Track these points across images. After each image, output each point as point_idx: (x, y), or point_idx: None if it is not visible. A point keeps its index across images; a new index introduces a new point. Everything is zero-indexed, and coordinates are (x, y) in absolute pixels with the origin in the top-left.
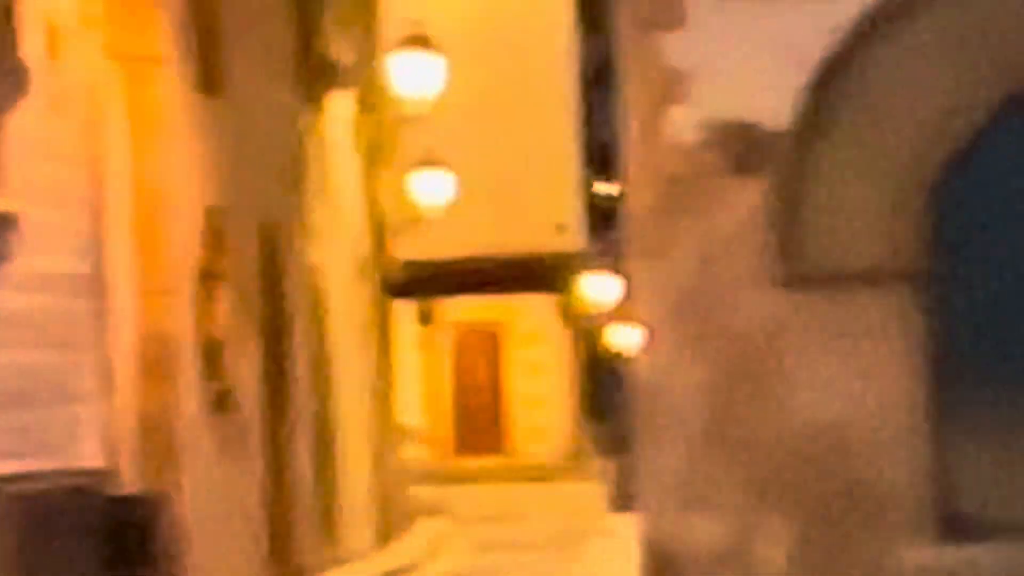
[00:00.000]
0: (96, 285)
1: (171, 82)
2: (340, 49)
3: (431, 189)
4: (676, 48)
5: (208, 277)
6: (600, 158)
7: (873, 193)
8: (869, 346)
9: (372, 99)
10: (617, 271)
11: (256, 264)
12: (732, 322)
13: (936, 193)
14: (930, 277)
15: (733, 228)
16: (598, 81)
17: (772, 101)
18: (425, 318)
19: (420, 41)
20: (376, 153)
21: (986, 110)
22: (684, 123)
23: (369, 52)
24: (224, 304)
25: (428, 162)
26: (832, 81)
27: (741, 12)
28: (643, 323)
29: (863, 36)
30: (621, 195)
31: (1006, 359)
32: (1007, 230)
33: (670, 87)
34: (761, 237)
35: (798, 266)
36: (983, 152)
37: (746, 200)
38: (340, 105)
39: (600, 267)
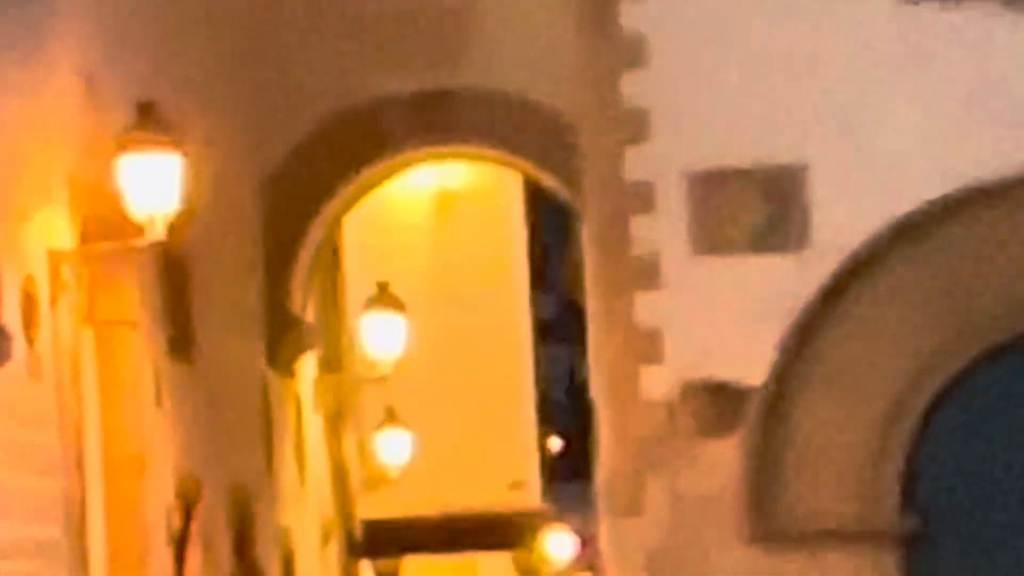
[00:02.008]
0: (70, 552)
1: (144, 347)
2: (306, 310)
3: (392, 449)
4: (650, 307)
5: (180, 543)
6: (553, 414)
7: (847, 451)
8: None
9: (335, 359)
10: (574, 528)
11: (227, 529)
12: None
13: (911, 451)
14: (904, 537)
15: (706, 487)
16: (549, 337)
17: (745, 359)
18: None
19: (387, 301)
20: (338, 413)
21: (957, 366)
22: (657, 382)
23: (331, 313)
24: (196, 571)
25: (389, 421)
26: (804, 338)
27: (714, 271)
28: None
29: (833, 293)
30: (574, 451)
31: None
32: (983, 489)
33: (644, 346)
34: (734, 495)
35: (772, 524)
36: (957, 408)
37: (719, 459)
38: (304, 366)
39: (558, 524)
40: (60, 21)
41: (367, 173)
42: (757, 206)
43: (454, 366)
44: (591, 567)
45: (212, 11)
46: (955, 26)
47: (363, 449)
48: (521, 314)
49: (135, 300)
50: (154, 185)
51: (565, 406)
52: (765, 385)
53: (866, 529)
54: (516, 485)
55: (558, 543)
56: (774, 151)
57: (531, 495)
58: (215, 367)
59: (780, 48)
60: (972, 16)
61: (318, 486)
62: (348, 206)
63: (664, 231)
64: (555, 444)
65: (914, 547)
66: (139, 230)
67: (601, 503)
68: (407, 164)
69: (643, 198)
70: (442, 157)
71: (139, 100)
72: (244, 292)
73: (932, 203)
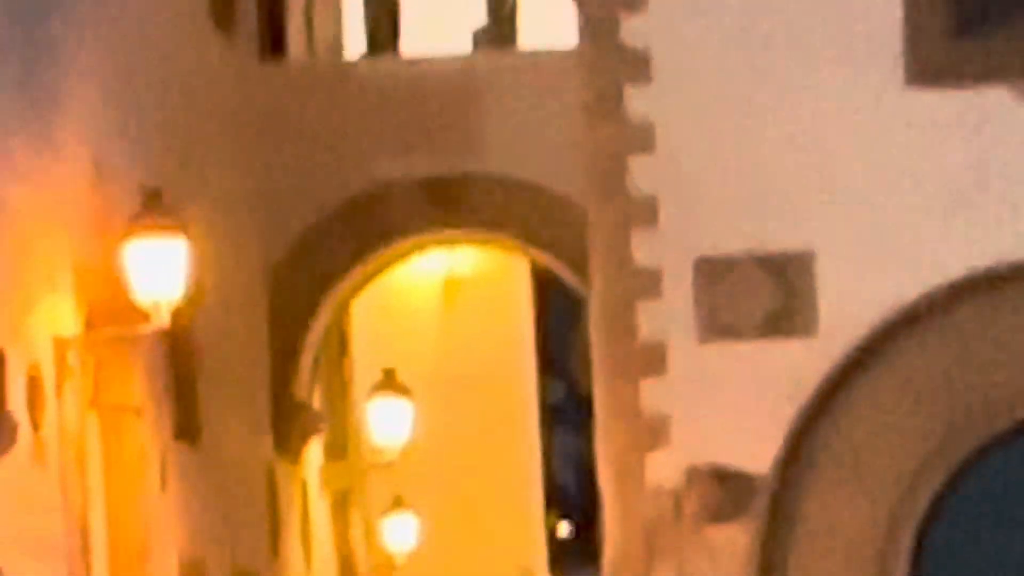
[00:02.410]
0: None
1: (149, 431)
2: (312, 395)
3: (399, 534)
4: (656, 393)
5: None
6: (561, 499)
7: (855, 537)
8: None
9: (341, 445)
10: None
11: None
12: None
13: (919, 536)
14: None
15: (713, 573)
16: (557, 422)
17: (752, 445)
18: None
19: (393, 387)
20: (344, 499)
21: (964, 452)
22: (664, 468)
23: (338, 398)
24: None
25: (396, 507)
26: (811, 425)
27: (720, 357)
28: None
29: (841, 380)
30: (583, 536)
31: None
32: (993, 573)
33: (650, 432)
34: None
35: None
36: (965, 494)
37: (726, 545)
38: (310, 451)
39: None
40: (69, 107)
41: (375, 258)
42: (764, 292)
43: (461, 451)
44: None
45: (219, 98)
46: (961, 112)
47: (370, 535)
48: (529, 399)
49: (140, 385)
50: (159, 271)
51: (573, 491)
52: (772, 471)
53: None
54: (525, 573)
55: None
56: (781, 237)
57: None
58: (221, 452)
59: (787, 134)
60: (978, 102)
61: (324, 572)
62: (356, 291)
63: (671, 316)
64: (563, 529)
65: None
66: (144, 316)
67: None
68: (415, 249)
69: (650, 283)
70: (450, 242)
71: (146, 186)
72: (250, 377)
73: (939, 289)
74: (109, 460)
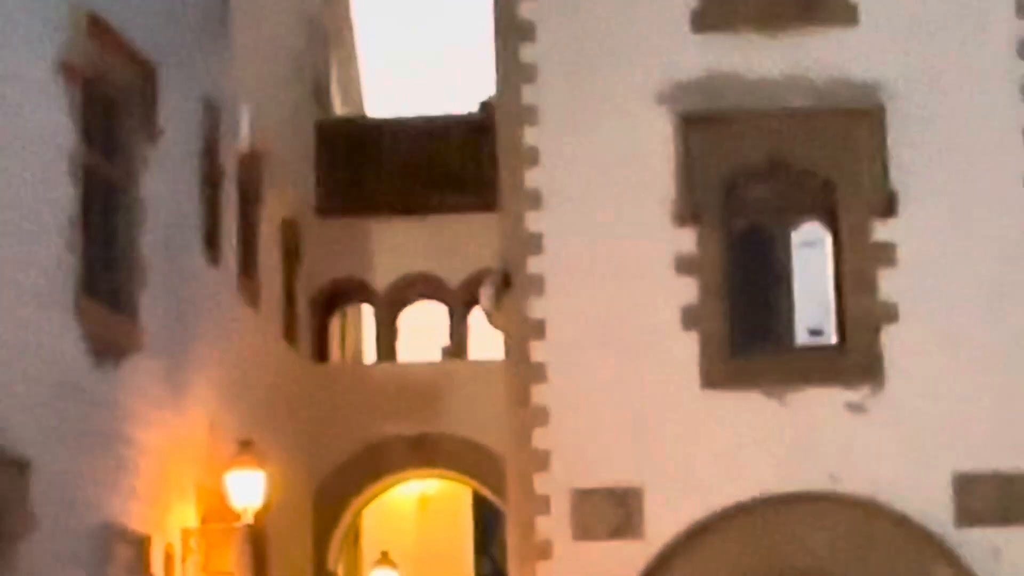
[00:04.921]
0: None
1: None
2: (338, 567)
3: None
4: (546, 573)
5: None
6: None
7: None
8: None
9: None
10: None
11: None
12: None
13: None
14: None
15: None
16: None
17: None
18: None
19: (387, 563)
20: None
21: None
22: None
23: (353, 569)
24: None
25: None
26: None
27: (586, 552)
28: None
29: (659, 567)
30: None
31: None
32: None
33: None
34: None
35: None
36: None
37: None
38: None
39: None
40: (195, 389)
41: (378, 484)
42: (612, 512)
43: None
44: None
45: (287, 385)
46: (735, 405)
47: None
48: (469, 572)
49: (234, 559)
50: (247, 490)
51: None
52: None
53: None
54: None
55: None
56: (621, 477)
57: None
58: None
59: (626, 418)
60: (743, 399)
61: None
62: (366, 503)
63: (556, 525)
64: None
65: None
66: (238, 516)
67: None
68: (402, 480)
69: (543, 505)
70: (424, 476)
71: (241, 438)
72: (300, 555)
73: (721, 509)
74: None
